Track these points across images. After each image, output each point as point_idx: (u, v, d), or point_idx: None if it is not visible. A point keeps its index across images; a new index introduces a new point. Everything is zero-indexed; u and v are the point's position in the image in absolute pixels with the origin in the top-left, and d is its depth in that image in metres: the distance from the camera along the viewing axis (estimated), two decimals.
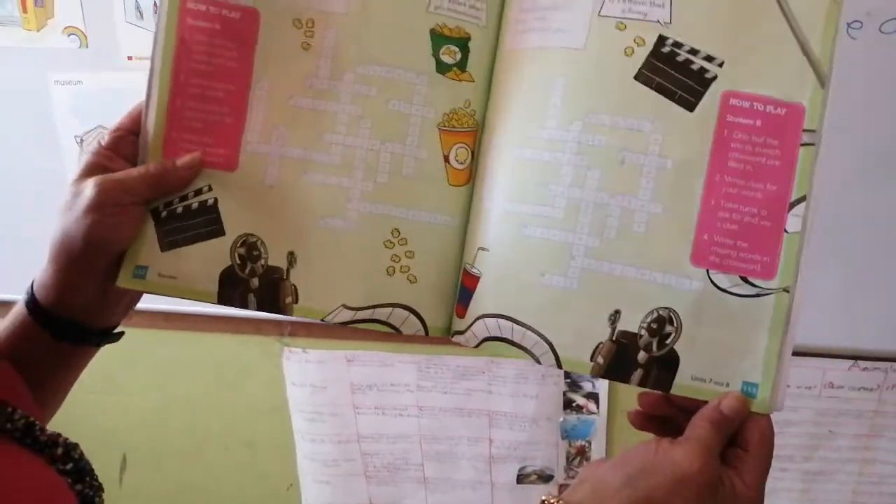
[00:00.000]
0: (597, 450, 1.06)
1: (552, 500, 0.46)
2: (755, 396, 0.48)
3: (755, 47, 0.49)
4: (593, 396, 1.03)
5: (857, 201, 0.86)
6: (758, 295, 0.48)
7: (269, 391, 1.11)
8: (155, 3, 1.00)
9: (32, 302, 0.52)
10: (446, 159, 0.55)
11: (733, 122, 0.48)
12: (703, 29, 0.49)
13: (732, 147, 0.48)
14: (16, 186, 1.08)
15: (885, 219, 0.87)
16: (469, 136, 0.56)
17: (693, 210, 0.49)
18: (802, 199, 0.47)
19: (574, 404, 1.03)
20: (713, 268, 0.49)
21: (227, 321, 1.06)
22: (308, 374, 1.09)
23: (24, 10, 1.02)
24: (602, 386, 1.03)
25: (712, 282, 0.49)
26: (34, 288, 0.53)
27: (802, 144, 0.48)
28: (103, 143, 0.53)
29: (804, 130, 0.48)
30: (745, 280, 0.48)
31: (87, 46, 1.02)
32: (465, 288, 0.55)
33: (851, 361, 0.95)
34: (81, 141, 1.07)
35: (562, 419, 1.04)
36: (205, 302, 0.53)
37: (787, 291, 0.48)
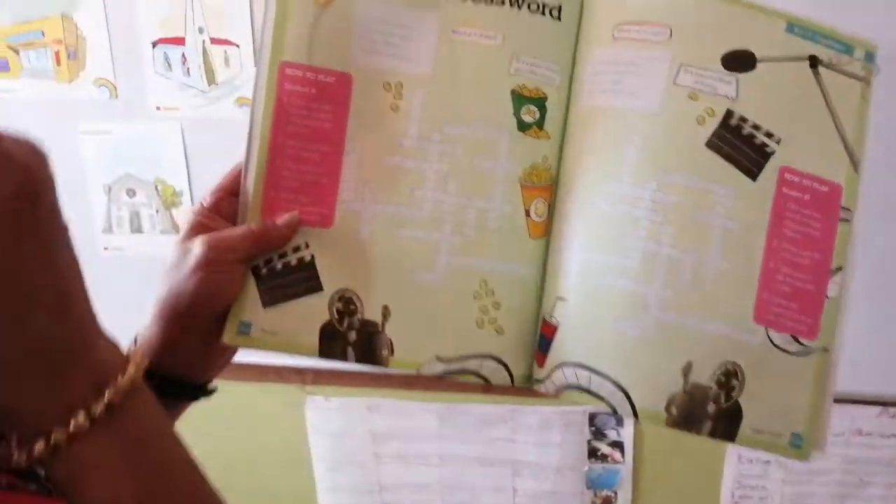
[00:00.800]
0: (623, 499, 1.06)
1: None
2: (800, 447, 0.55)
3: (805, 131, 0.56)
4: (618, 445, 1.03)
5: (882, 244, 0.90)
6: (804, 353, 0.55)
7: (292, 440, 1.12)
8: (182, 57, 1.01)
9: None
10: (527, 213, 0.59)
11: (788, 195, 0.55)
12: (763, 109, 0.56)
13: (787, 216, 0.55)
14: None
15: None
16: (547, 190, 0.60)
17: (755, 270, 0.55)
18: (839, 268, 0.55)
19: (599, 453, 1.03)
20: (770, 325, 0.55)
21: (250, 369, 1.05)
22: (330, 422, 1.10)
23: (58, 62, 1.04)
24: (627, 434, 1.03)
25: (769, 338, 0.55)
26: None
27: (840, 220, 0.56)
28: (205, 204, 0.55)
29: (842, 207, 0.56)
30: (795, 339, 0.55)
31: (116, 97, 1.05)
32: (543, 336, 0.59)
33: (880, 408, 0.96)
34: (110, 190, 1.07)
35: (587, 468, 1.04)
36: (307, 356, 0.56)
37: (827, 351, 0.55)
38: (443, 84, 0.57)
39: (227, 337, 0.55)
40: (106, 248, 1.11)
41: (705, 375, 0.54)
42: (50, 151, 0.33)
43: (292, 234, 0.56)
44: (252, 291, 0.55)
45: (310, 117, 0.56)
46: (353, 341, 0.57)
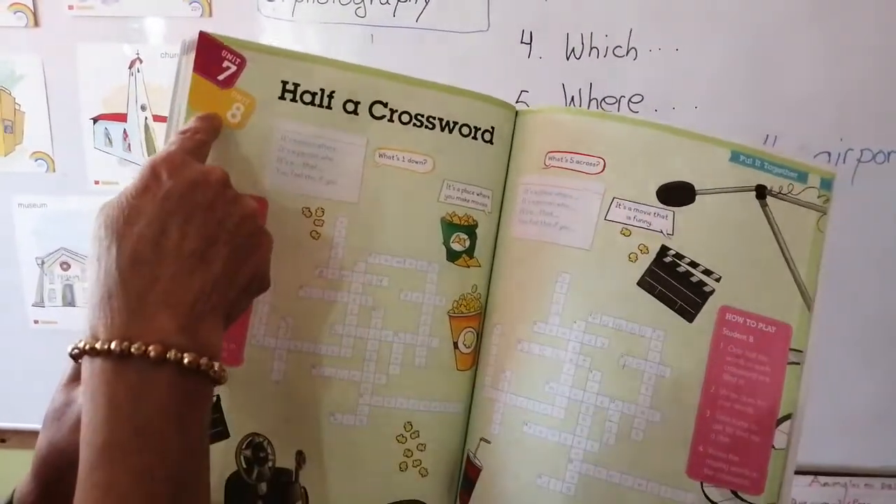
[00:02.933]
0: None
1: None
2: None
3: (749, 265, 0.53)
4: None
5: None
6: None
7: None
8: (123, 133, 1.03)
9: None
10: (455, 345, 0.56)
11: (729, 336, 0.52)
12: (702, 244, 0.53)
13: (727, 360, 0.52)
14: None
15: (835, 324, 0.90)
16: (475, 319, 0.57)
17: (690, 420, 0.52)
18: (788, 416, 0.52)
19: None
20: (707, 480, 0.52)
21: None
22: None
23: None
24: None
25: (706, 495, 0.52)
26: (13, 500, 0.48)
27: (789, 363, 0.52)
28: None
29: (791, 350, 0.52)
30: (735, 495, 0.51)
31: (53, 171, 1.06)
32: (467, 477, 0.56)
33: (811, 477, 0.98)
34: (42, 263, 1.05)
35: None
36: None
37: None
38: (368, 210, 0.53)
39: None
40: (36, 322, 1.10)
41: None
42: None
43: None
44: None
45: None
46: (264, 494, 0.52)
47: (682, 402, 0.52)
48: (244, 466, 0.52)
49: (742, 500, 0.51)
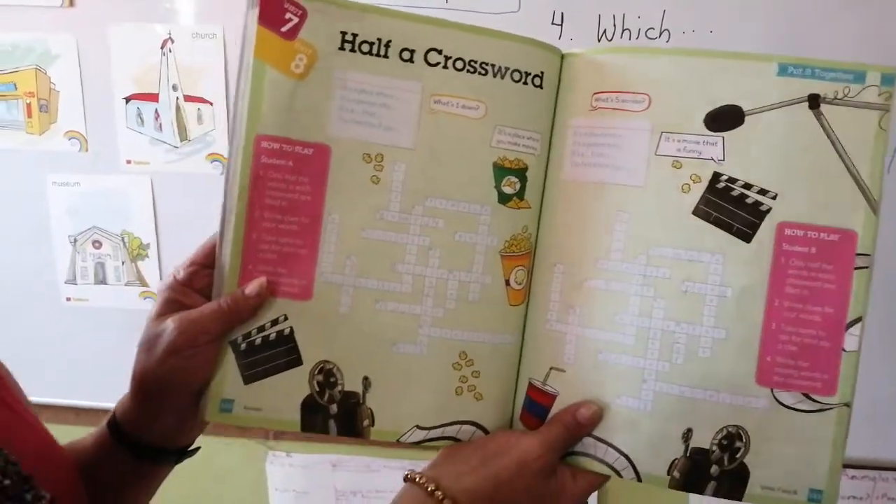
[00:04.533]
0: None
1: (414, 475, 0.53)
2: (820, 501, 0.52)
3: (806, 178, 0.52)
4: None
5: None
6: (821, 410, 0.52)
7: (253, 497, 1.09)
8: (154, 113, 1.04)
9: (115, 425, 0.55)
10: (507, 282, 0.58)
11: (789, 251, 0.52)
12: (756, 165, 0.53)
13: (789, 273, 0.52)
14: (7, 280, 1.11)
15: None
16: (526, 258, 0.59)
17: (755, 333, 0.52)
18: (858, 319, 0.51)
19: None
20: (777, 387, 0.52)
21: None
22: (292, 479, 1.07)
23: (29, 114, 1.06)
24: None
25: (777, 399, 0.52)
26: (116, 413, 0.55)
27: (857, 268, 0.52)
28: (179, 278, 0.55)
29: (858, 255, 0.52)
30: (807, 396, 0.52)
31: (86, 150, 1.06)
32: (535, 402, 0.58)
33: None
34: (75, 241, 1.08)
35: None
36: (290, 430, 0.55)
37: (848, 406, 0.52)
38: (424, 156, 0.56)
39: (210, 415, 0.54)
40: (69, 299, 1.11)
41: (706, 440, 0.53)
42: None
43: (262, 303, 0.54)
44: (231, 367, 0.54)
45: (287, 189, 0.55)
46: (335, 414, 0.55)
47: (746, 317, 0.52)
48: (317, 390, 0.55)
49: (815, 401, 0.52)
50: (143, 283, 1.09)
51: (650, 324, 0.54)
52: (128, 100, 1.04)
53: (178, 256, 1.05)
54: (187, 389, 0.53)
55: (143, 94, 1.04)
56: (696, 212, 0.54)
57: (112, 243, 1.09)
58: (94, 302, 1.10)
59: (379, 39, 0.55)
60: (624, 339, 0.55)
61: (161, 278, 1.08)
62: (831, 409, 0.52)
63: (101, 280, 1.10)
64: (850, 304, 0.52)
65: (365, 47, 0.55)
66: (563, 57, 0.59)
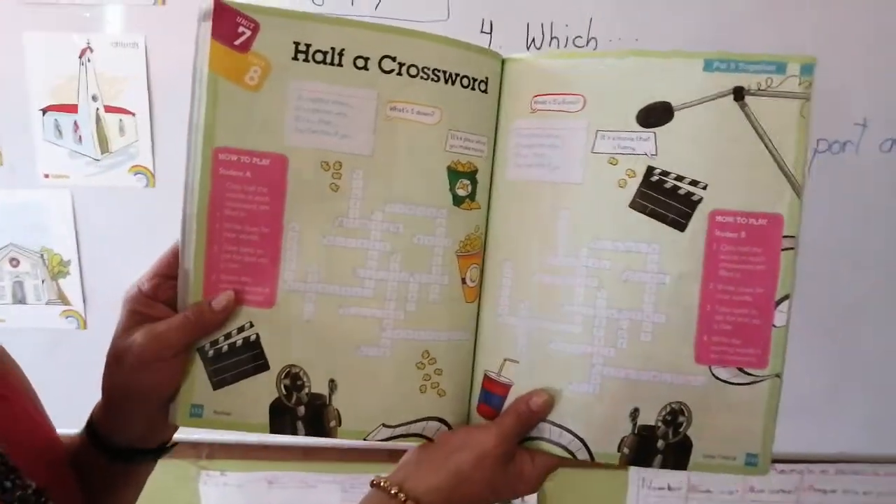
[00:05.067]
0: None
1: (379, 480, 0.56)
2: (756, 464, 0.58)
3: (735, 168, 0.56)
4: None
5: None
6: (753, 382, 0.57)
7: None
8: (73, 125, 1.00)
9: (91, 428, 0.57)
10: (463, 281, 0.61)
11: (721, 237, 0.57)
12: (686, 158, 0.57)
13: (722, 258, 0.57)
14: None
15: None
16: (479, 256, 0.62)
17: (692, 316, 0.57)
18: (786, 297, 0.56)
19: None
20: (714, 363, 0.57)
21: None
22: (228, 498, 1.07)
23: None
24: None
25: (714, 375, 0.57)
26: (92, 416, 0.57)
27: (783, 249, 0.56)
28: (143, 290, 0.55)
29: (784, 237, 0.56)
30: (742, 370, 0.57)
31: (1, 164, 1.03)
32: (491, 393, 0.61)
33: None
34: None
35: None
36: (258, 433, 0.57)
37: (779, 377, 0.57)
38: (382, 162, 0.58)
39: (180, 420, 0.56)
40: None
41: (651, 417, 0.57)
42: None
43: (228, 316, 0.56)
44: (200, 373, 0.56)
45: (246, 200, 0.56)
46: (303, 416, 0.57)
47: (683, 302, 0.56)
48: (284, 393, 0.57)
49: (749, 374, 0.56)
50: (64, 301, 1.05)
51: (595, 312, 0.58)
52: (45, 111, 1.01)
53: (101, 273, 1.07)
54: (156, 399, 0.55)
55: (62, 105, 1.01)
56: (633, 205, 0.58)
57: (31, 261, 1.05)
58: (11, 322, 1.06)
59: (332, 48, 0.56)
60: (572, 329, 0.58)
61: (84, 296, 1.05)
62: (763, 380, 0.57)
63: (19, 299, 1.06)
64: (779, 283, 0.56)
65: (319, 57, 0.56)
66: (503, 62, 0.62)
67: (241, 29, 0.55)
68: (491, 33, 0.98)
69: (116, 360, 0.53)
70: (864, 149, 0.97)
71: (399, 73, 0.58)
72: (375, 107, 0.57)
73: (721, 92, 0.57)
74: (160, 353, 0.53)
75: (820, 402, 1.04)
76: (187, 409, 0.55)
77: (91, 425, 0.57)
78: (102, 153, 1.01)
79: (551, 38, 0.97)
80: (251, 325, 0.56)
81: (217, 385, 0.56)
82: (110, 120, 1.01)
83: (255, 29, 0.55)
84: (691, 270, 0.57)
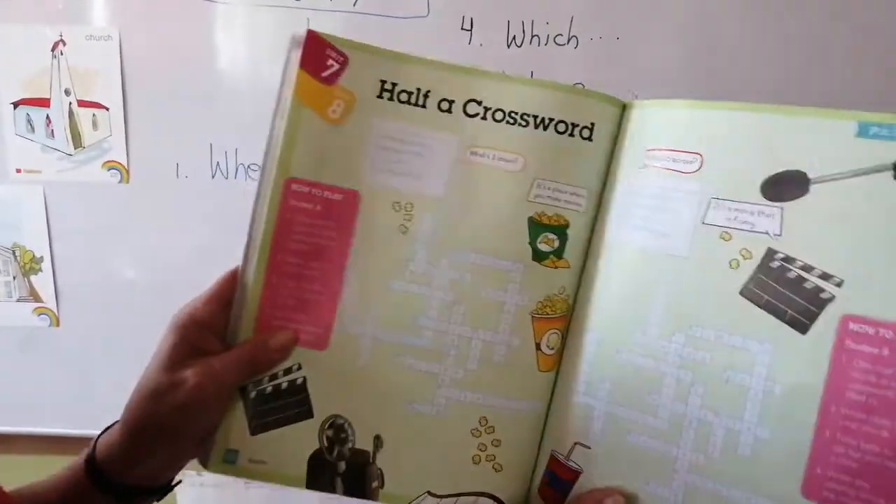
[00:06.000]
0: None
1: None
2: None
3: (883, 264, 0.44)
4: None
5: None
6: None
7: None
8: (46, 119, 0.99)
9: (92, 466, 0.52)
10: (538, 346, 0.54)
11: (854, 350, 0.45)
12: (819, 243, 0.46)
13: (853, 377, 0.45)
14: None
15: None
16: (562, 321, 0.55)
17: (805, 439, 0.45)
18: None
19: None
20: (827, 503, 0.45)
21: None
22: (204, 499, 1.04)
23: None
24: None
25: None
26: (98, 454, 0.52)
27: None
28: (197, 317, 0.53)
29: None
30: None
31: None
32: (558, 477, 0.54)
33: None
34: None
35: None
36: (293, 487, 0.53)
37: None
38: (455, 207, 0.54)
39: (213, 465, 0.53)
40: None
41: None
42: None
43: (284, 357, 0.53)
44: (239, 416, 0.53)
45: (313, 234, 0.54)
46: (343, 472, 0.53)
47: (795, 419, 0.45)
48: (326, 445, 0.53)
49: None
50: (36, 298, 1.04)
51: (685, 410, 0.49)
52: (16, 105, 0.99)
53: (74, 270, 1.03)
54: (195, 436, 0.52)
55: (33, 99, 0.98)
56: (745, 292, 0.48)
57: (2, 257, 1.03)
58: None
59: (418, 89, 0.53)
60: (656, 423, 0.50)
61: (56, 293, 1.03)
62: None
63: None
64: None
65: (403, 96, 0.53)
66: (624, 107, 0.55)
67: (329, 62, 0.53)
68: (471, 31, 0.93)
69: (157, 396, 0.50)
70: None
71: (483, 118, 0.53)
72: (456, 150, 0.53)
73: (877, 166, 0.45)
74: (216, 393, 0.51)
75: None
76: (221, 454, 0.53)
77: (91, 462, 0.52)
78: (75, 148, 1.00)
79: (532, 36, 0.92)
80: (299, 368, 0.53)
81: (256, 430, 0.53)
82: (83, 114, 0.98)
83: (344, 63, 0.53)
84: (810, 384, 0.46)
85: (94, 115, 0.99)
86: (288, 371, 0.53)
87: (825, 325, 0.45)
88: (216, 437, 0.53)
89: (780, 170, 0.47)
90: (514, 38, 0.92)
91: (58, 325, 1.03)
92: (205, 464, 0.53)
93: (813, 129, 0.47)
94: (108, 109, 0.98)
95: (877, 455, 0.44)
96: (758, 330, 0.47)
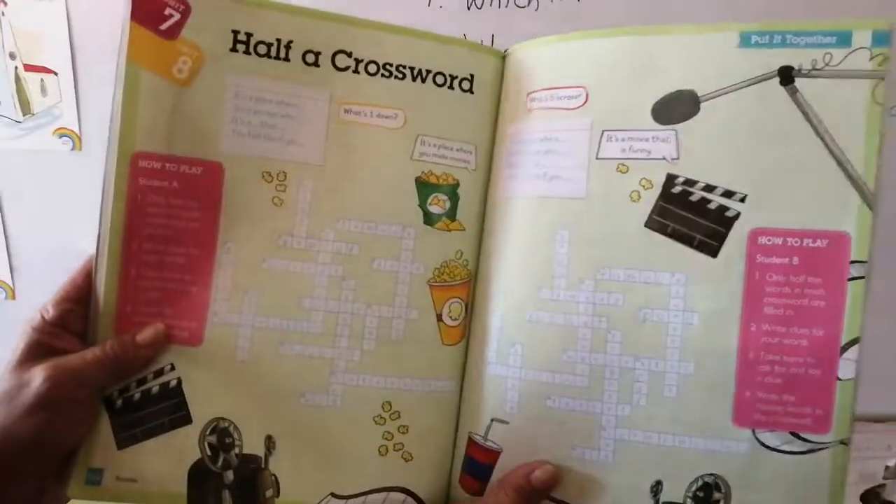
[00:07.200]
0: None
1: None
2: None
3: (782, 173, 0.43)
4: None
5: None
6: (812, 450, 0.42)
7: None
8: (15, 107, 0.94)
9: None
10: (439, 317, 0.49)
11: (766, 263, 0.43)
12: (717, 161, 0.44)
13: (767, 291, 0.43)
14: None
15: None
16: (463, 288, 0.50)
17: (730, 366, 0.43)
18: (855, 340, 0.42)
19: None
20: (759, 426, 0.43)
21: None
22: None
23: None
24: None
25: (759, 441, 0.43)
26: None
27: (851, 279, 0.42)
28: (48, 318, 0.46)
29: (852, 262, 0.42)
30: (796, 436, 0.42)
31: None
32: (476, 461, 0.48)
33: None
34: None
35: None
36: None
37: (845, 444, 0.42)
38: (334, 173, 0.49)
39: (73, 489, 0.45)
40: None
41: (679, 493, 0.43)
42: None
43: (155, 355, 0.46)
44: (104, 430, 0.45)
45: (171, 216, 0.47)
46: (230, 482, 0.46)
47: (717, 347, 0.43)
48: (209, 454, 0.46)
49: (806, 440, 0.42)
50: None
51: (606, 361, 0.45)
52: None
53: (29, 241, 0.97)
54: (53, 454, 0.44)
55: None
56: (650, 223, 0.45)
57: None
58: None
59: (278, 40, 0.48)
60: (576, 381, 0.46)
61: (10, 265, 0.99)
62: (825, 448, 0.42)
63: None
64: (845, 324, 0.42)
65: (262, 49, 0.48)
66: (504, 57, 0.52)
67: (168, 11, 0.46)
68: None
69: (8, 399, 0.43)
70: None
71: (355, 70, 0.49)
72: (327, 109, 0.48)
73: (763, 74, 0.44)
74: (70, 391, 0.43)
75: None
76: (83, 475, 0.45)
77: None
78: (24, 115, 0.95)
79: None
80: (172, 368, 0.46)
81: (123, 443, 0.45)
82: (31, 79, 0.93)
83: (186, 12, 0.47)
84: (727, 307, 0.43)
85: (42, 79, 0.94)
86: (159, 373, 0.46)
87: (735, 244, 0.44)
88: (77, 456, 0.45)
89: (669, 91, 0.45)
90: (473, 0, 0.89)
91: (13, 297, 0.99)
92: (67, 489, 0.45)
93: (696, 46, 0.45)
94: (56, 74, 0.93)
95: (800, 365, 0.43)
96: (668, 261, 0.45)
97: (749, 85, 0.44)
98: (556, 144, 0.48)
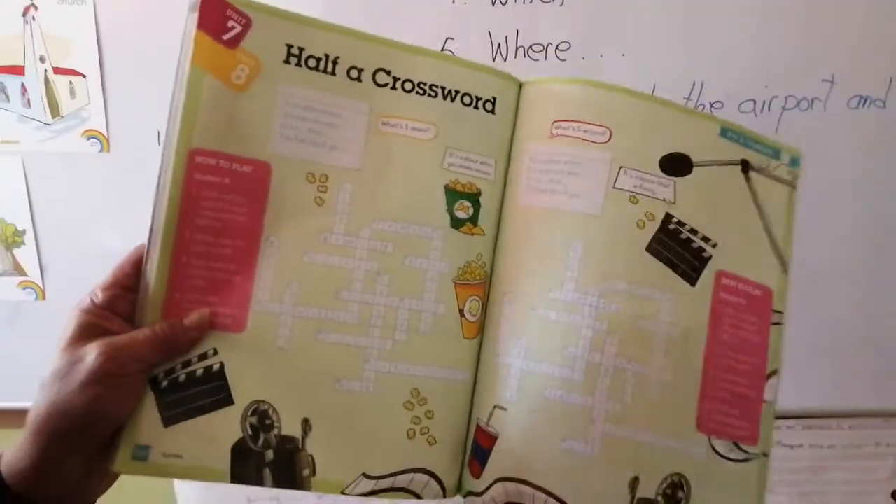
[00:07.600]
0: None
1: None
2: None
3: (739, 235, 0.57)
4: None
5: None
6: (746, 460, 0.55)
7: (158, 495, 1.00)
8: (21, 87, 0.93)
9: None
10: (461, 313, 0.55)
11: (726, 299, 0.55)
12: (699, 213, 0.55)
13: (725, 321, 0.55)
14: None
15: None
16: (481, 287, 0.56)
17: (697, 378, 0.54)
18: (774, 372, 0.55)
19: None
20: (713, 434, 0.54)
21: None
22: (207, 495, 1.00)
23: None
24: None
25: (713, 448, 0.54)
26: (2, 468, 0.45)
27: (773, 323, 0.56)
28: (97, 301, 0.48)
29: (774, 311, 0.56)
30: (736, 445, 0.54)
31: None
32: (479, 446, 0.55)
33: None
34: None
35: None
36: (216, 482, 0.49)
37: (766, 455, 0.55)
38: (372, 177, 0.53)
39: (120, 464, 0.47)
40: None
41: (651, 489, 0.52)
42: None
43: (201, 337, 0.49)
44: (150, 408, 0.48)
45: (222, 209, 0.50)
46: (270, 461, 0.50)
47: (690, 360, 0.53)
48: (250, 433, 0.50)
49: (742, 450, 0.54)
50: (20, 272, 0.97)
51: (601, 360, 0.53)
52: None
53: (58, 242, 0.97)
54: (104, 428, 0.46)
55: (7, 67, 0.92)
56: (650, 249, 0.54)
57: None
58: None
59: (326, 55, 0.51)
60: (572, 375, 0.53)
61: (41, 266, 0.97)
62: (754, 458, 0.55)
63: None
64: (769, 357, 0.56)
65: (311, 63, 0.51)
66: (521, 85, 0.57)
67: (230, 23, 0.49)
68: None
69: (62, 375, 0.44)
70: (832, 106, 0.92)
71: (393, 87, 0.53)
72: (367, 120, 0.52)
73: (732, 160, 0.57)
74: (123, 366, 0.45)
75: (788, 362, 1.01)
76: (130, 451, 0.47)
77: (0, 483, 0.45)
78: (53, 117, 0.93)
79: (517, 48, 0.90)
80: (215, 353, 0.49)
81: (169, 421, 0.48)
82: (60, 82, 0.92)
83: (247, 25, 0.49)
84: (698, 327, 0.54)
85: (70, 82, 0.91)
86: (203, 357, 0.49)
87: (707, 278, 0.55)
88: (125, 433, 0.47)
89: (672, 150, 0.55)
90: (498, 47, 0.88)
91: (44, 298, 0.98)
92: (113, 463, 0.47)
93: (692, 124, 0.57)
94: (84, 77, 0.91)
95: (743, 386, 0.55)
96: (661, 282, 0.54)
97: (724, 164, 0.56)
98: (579, 168, 0.55)
